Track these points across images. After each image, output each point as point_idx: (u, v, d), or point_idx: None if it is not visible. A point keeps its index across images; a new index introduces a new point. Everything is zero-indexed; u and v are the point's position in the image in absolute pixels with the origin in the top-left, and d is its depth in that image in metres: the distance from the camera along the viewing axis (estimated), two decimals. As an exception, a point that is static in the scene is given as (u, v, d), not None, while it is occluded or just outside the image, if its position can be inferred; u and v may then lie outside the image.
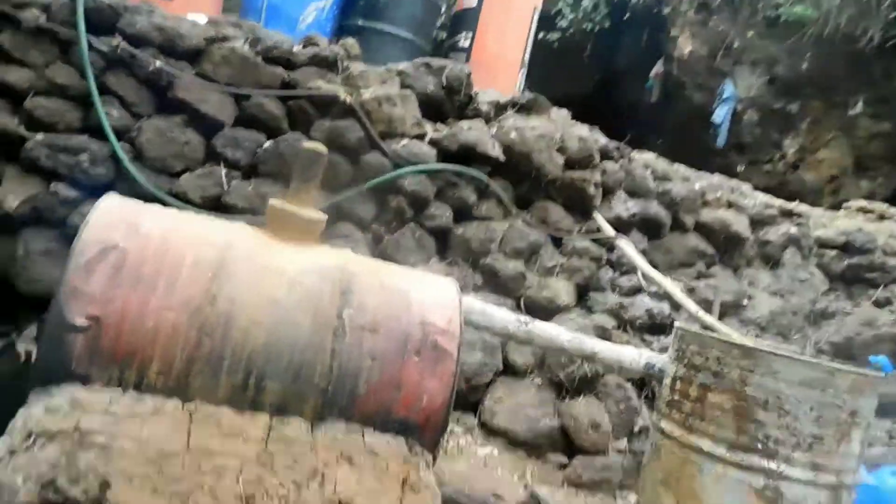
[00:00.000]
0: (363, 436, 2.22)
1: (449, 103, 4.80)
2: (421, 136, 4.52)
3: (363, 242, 4.25)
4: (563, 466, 3.81)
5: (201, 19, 4.39)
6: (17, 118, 3.95)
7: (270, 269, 2.25)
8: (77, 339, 2.01)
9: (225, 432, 2.09)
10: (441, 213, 4.43)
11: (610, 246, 4.86)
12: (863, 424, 2.50)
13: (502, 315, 2.74)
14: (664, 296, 4.73)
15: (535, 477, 3.67)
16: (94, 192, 4.00)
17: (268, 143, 4.21)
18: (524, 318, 2.77)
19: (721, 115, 8.65)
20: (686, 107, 9.15)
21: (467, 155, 4.50)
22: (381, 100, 4.30)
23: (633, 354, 2.83)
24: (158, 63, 4.04)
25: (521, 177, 4.71)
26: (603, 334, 4.32)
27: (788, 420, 2.43)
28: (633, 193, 5.11)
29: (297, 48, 4.43)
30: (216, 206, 4.10)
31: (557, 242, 4.75)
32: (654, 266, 5.14)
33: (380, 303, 2.31)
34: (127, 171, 3.95)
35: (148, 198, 3.87)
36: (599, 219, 4.80)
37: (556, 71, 10.69)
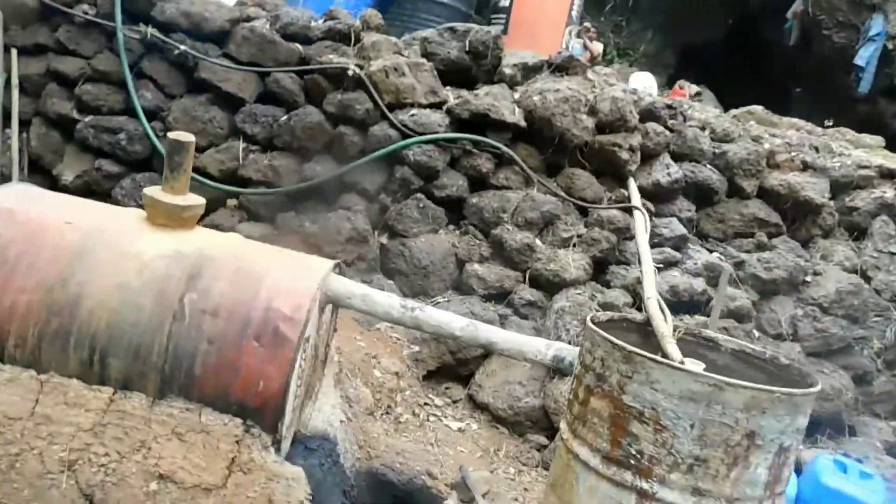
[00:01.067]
0: (200, 415, 2.23)
1: (476, 68, 4.53)
2: (438, 105, 4.33)
3: (366, 213, 4.19)
4: (541, 447, 3.56)
5: (229, 2, 4.50)
6: (71, 103, 4.36)
7: (128, 254, 2.30)
8: (-52, 314, 2.19)
9: (70, 402, 2.20)
10: (452, 183, 4.24)
11: (649, 215, 4.35)
12: (769, 448, 2.03)
13: (386, 300, 2.57)
14: (705, 269, 4.17)
15: (507, 455, 3.47)
16: (134, 167, 4.35)
17: (283, 118, 4.26)
18: (412, 303, 2.57)
19: (866, 56, 7.30)
20: (825, 49, 7.82)
21: (483, 122, 4.23)
22: (387, 70, 4.17)
23: (538, 346, 2.52)
24: (183, 46, 4.23)
25: (545, 143, 4.35)
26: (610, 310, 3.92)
27: (665, 436, 2.04)
28: (680, 157, 4.52)
29: (314, 23, 4.41)
30: (233, 179, 4.25)
31: (586, 212, 4.34)
32: (704, 236, 4.57)
33: (228, 288, 2.27)
34: (156, 148, 4.21)
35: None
36: (631, 186, 4.31)
37: (683, 14, 9.66)
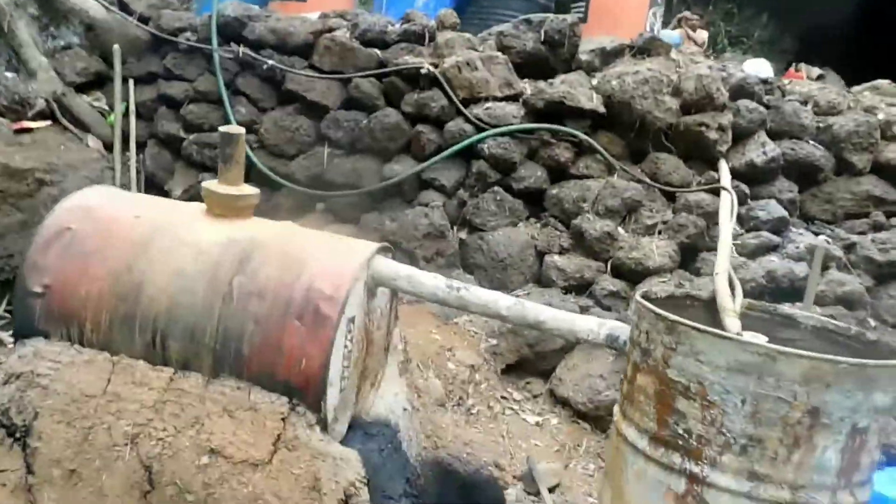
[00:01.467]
0: (249, 393, 2.29)
1: (554, 58, 4.43)
2: (514, 97, 4.27)
3: (444, 209, 4.19)
4: (623, 444, 3.34)
5: (313, 16, 4.70)
6: (179, 123, 4.72)
7: (186, 242, 2.42)
8: (36, 303, 2.42)
9: (136, 381, 2.35)
10: (530, 175, 4.14)
11: (741, 198, 4.03)
12: (838, 428, 1.77)
13: (431, 281, 2.51)
14: (808, 253, 3.78)
15: (587, 451, 3.30)
16: (233, 178, 4.61)
17: (364, 121, 4.37)
18: (457, 283, 2.50)
19: None
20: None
21: (559, 111, 4.11)
22: (460, 65, 4.16)
23: (590, 325, 2.36)
24: (271, 61, 4.46)
25: (626, 129, 4.15)
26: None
27: (714, 413, 1.83)
28: (779, 134, 4.15)
29: (390, 27, 4.50)
30: (319, 183, 4.41)
31: (673, 197, 4.09)
32: (810, 219, 4.15)
33: (273, 271, 2.34)
34: (249, 159, 4.45)
35: (267, 180, 4.35)
36: (722, 168, 4.01)
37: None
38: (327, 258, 2.40)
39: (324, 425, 2.33)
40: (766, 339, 2.07)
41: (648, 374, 2.01)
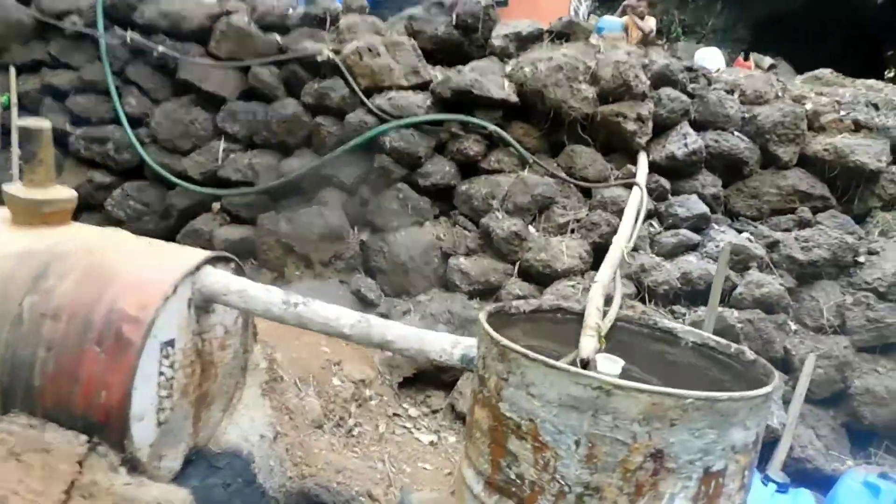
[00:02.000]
0: (43, 432, 1.97)
1: (468, 43, 4.12)
2: (423, 86, 3.96)
3: (344, 208, 3.88)
4: (522, 464, 3.07)
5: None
6: (65, 116, 4.35)
7: (-23, 254, 2.08)
8: None
9: None
10: (438, 170, 3.84)
11: (661, 193, 3.77)
12: (687, 473, 1.50)
13: (265, 296, 2.22)
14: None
15: (482, 474, 3.00)
16: (124, 175, 4.28)
17: (262, 114, 4.04)
18: (297, 298, 2.21)
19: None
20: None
21: (469, 101, 3.81)
22: (361, 52, 3.85)
23: (443, 344, 2.07)
24: (161, 48, 4.11)
25: (541, 119, 3.87)
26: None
27: (547, 456, 1.56)
28: (703, 125, 3.89)
29: (291, 11, 4.16)
30: (214, 181, 4.08)
31: (590, 193, 3.81)
32: (735, 215, 3.90)
33: (72, 288, 2.02)
34: (141, 156, 4.11)
35: (157, 178, 4.02)
36: (640, 161, 3.74)
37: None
38: (138, 272, 2.08)
39: (133, 465, 2.03)
40: (622, 363, 1.80)
41: (483, 408, 1.73)
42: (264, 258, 3.91)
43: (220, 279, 2.20)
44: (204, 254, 2.23)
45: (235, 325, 2.52)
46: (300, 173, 3.87)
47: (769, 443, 3.02)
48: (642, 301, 3.40)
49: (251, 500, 2.49)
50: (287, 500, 2.68)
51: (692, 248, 3.60)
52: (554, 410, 1.55)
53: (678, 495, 1.52)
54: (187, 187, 4.05)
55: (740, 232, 3.71)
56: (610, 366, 1.79)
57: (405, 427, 3.18)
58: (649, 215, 3.73)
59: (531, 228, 3.71)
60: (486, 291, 3.62)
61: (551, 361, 1.56)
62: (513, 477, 1.64)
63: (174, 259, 2.18)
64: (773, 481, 2.50)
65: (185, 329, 2.17)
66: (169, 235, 4.19)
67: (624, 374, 1.82)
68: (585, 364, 1.75)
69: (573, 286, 3.45)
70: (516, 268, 3.62)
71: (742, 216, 3.82)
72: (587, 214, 3.68)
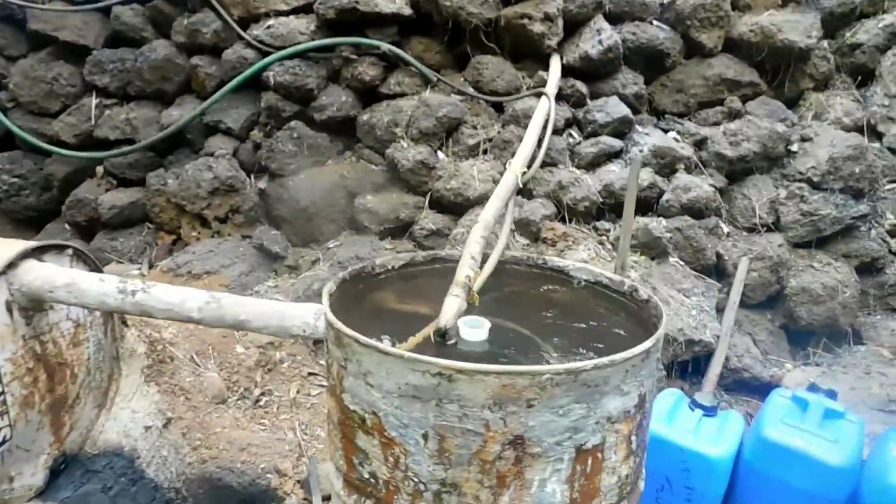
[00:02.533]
0: None
1: (354, -47, 3.64)
2: (305, 9, 3.52)
3: (236, 156, 3.52)
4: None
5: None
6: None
7: None
8: None
9: None
10: (333, 102, 3.47)
11: (579, 99, 3.45)
12: (556, 455, 1.29)
13: (98, 287, 1.94)
14: (654, 156, 3.26)
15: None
16: (-6, 147, 3.84)
17: (131, 61, 3.60)
18: (135, 285, 1.93)
19: None
20: None
21: (358, 20, 3.40)
22: (227, -24, 3.38)
23: (306, 316, 1.82)
24: (3, -4, 3.60)
25: (440, 31, 3.47)
26: (527, 231, 3.14)
27: (397, 452, 1.34)
28: (619, 17, 3.52)
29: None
30: (91, 142, 3.68)
31: (502, 107, 3.48)
32: (660, 113, 3.60)
33: None
34: (3, 123, 3.68)
35: (29, 146, 3.63)
36: (552, 65, 3.40)
37: None
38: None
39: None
40: (488, 325, 1.55)
41: (331, 398, 1.49)
42: (158, 221, 3.58)
43: (43, 274, 1.89)
44: (20, 247, 1.91)
45: (91, 316, 2.24)
46: (181, 123, 3.48)
47: (705, 357, 2.87)
48: (562, 220, 3.14)
49: (139, 500, 2.29)
50: (189, 488, 2.50)
51: (615, 155, 3.32)
52: (395, 402, 1.31)
53: (549, 480, 1.31)
54: (61, 153, 3.65)
55: (666, 132, 3.42)
56: (473, 332, 1.54)
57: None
58: (568, 124, 3.43)
59: (440, 154, 3.40)
60: (398, 229, 3.34)
61: (382, 347, 1.30)
62: (366, 476, 1.42)
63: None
64: (701, 406, 2.34)
65: (10, 337, 1.89)
66: (55, 208, 3.83)
67: (499, 334, 1.58)
68: (444, 333, 1.50)
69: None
70: (427, 199, 3.33)
71: (669, 113, 3.53)
72: (499, 132, 3.36)
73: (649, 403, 1.46)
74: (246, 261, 3.34)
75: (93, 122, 3.66)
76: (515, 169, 2.39)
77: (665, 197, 3.15)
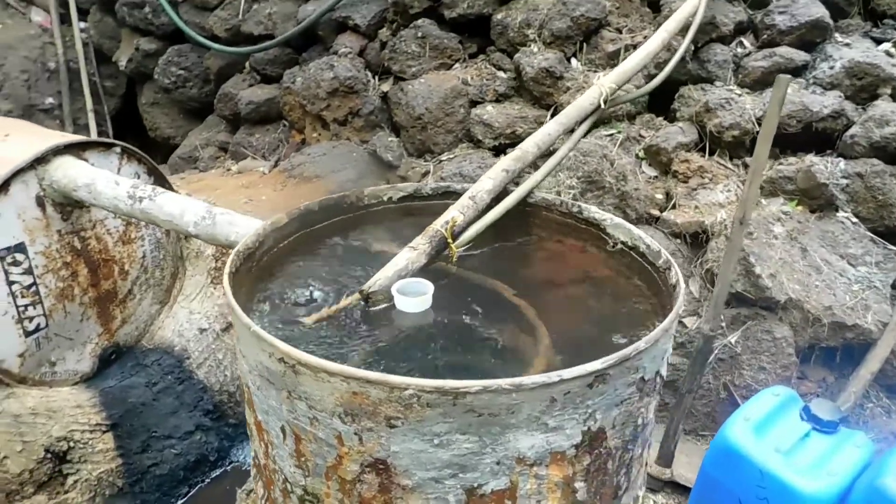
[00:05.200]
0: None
1: None
2: None
3: (362, 55, 3.28)
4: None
5: None
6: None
7: None
8: None
9: None
10: (466, -3, 3.03)
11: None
12: (436, 493, 0.89)
13: (111, 190, 1.79)
14: (848, 76, 2.39)
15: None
16: (169, 40, 4.05)
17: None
18: (144, 190, 1.76)
19: None
20: None
21: None
22: None
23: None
24: None
25: None
26: (656, 160, 2.53)
27: (267, 441, 1.03)
28: None
29: None
30: (239, 37, 3.67)
31: (657, 6, 2.79)
32: (879, 17, 2.62)
33: None
34: (170, 16, 3.82)
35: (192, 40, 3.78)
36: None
37: None
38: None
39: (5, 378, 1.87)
40: (429, 293, 1.15)
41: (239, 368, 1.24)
42: (290, 119, 3.51)
43: (70, 172, 1.85)
44: (53, 142, 1.87)
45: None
46: (312, 18, 3.30)
47: (862, 348, 2.12)
48: (702, 152, 2.46)
49: (185, 398, 2.31)
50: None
51: (794, 72, 2.49)
52: (256, 381, 1.02)
53: None
54: (214, 47, 3.70)
55: (879, 42, 2.48)
56: (409, 301, 1.16)
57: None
58: (740, 30, 2.64)
59: (573, 62, 2.83)
60: (514, 146, 2.89)
61: (238, 312, 0.99)
62: (253, 452, 1.17)
63: (14, 151, 1.85)
64: (815, 418, 1.71)
65: (43, 230, 1.89)
66: (213, 100, 3.95)
67: (464, 304, 1.18)
68: (367, 298, 1.15)
69: (611, 135, 2.60)
70: (549, 114, 2.82)
71: (890, 17, 2.54)
72: (645, 38, 2.69)
73: (626, 434, 1.00)
74: (357, 167, 3.16)
75: (241, 16, 3.63)
76: (604, 85, 1.84)
77: (851, 131, 2.30)
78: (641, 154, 2.60)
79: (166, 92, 4.06)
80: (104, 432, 2.06)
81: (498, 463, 0.90)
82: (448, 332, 1.13)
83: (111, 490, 2.08)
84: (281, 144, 3.60)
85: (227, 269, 1.13)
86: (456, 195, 1.52)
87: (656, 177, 2.56)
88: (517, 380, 0.85)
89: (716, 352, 2.27)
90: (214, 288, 2.44)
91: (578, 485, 0.97)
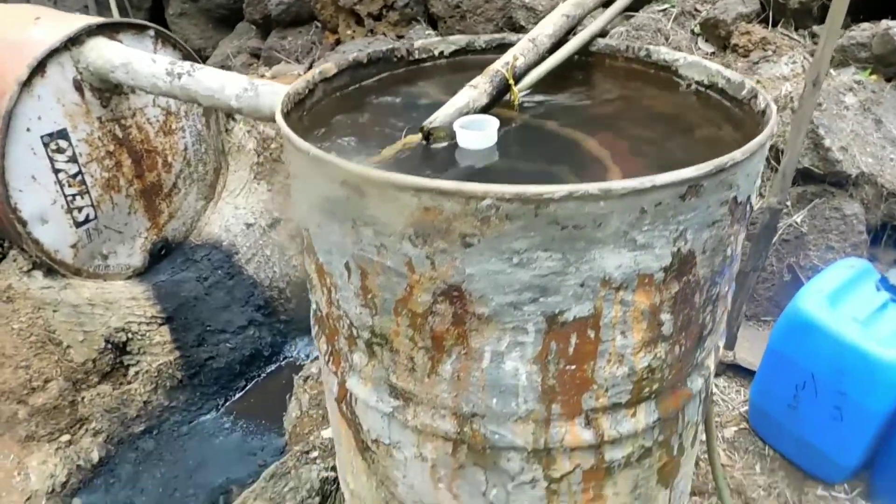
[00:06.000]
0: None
1: None
2: None
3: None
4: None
5: None
6: None
7: None
8: None
9: None
10: None
11: None
12: (514, 321, 0.83)
13: (149, 69, 1.71)
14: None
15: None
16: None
17: None
18: (181, 66, 1.68)
19: None
20: None
21: None
22: None
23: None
24: None
25: None
26: (713, 35, 2.37)
27: (330, 285, 0.98)
28: None
29: None
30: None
31: None
32: None
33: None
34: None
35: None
36: None
37: None
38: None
39: (53, 269, 1.87)
40: (494, 127, 1.06)
41: (296, 215, 1.18)
42: (322, 18, 3.38)
43: (105, 53, 1.78)
44: (84, 22, 1.80)
45: (185, 105, 2.15)
46: None
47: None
48: (765, 23, 2.28)
49: (236, 293, 2.30)
50: (292, 290, 2.46)
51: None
52: (316, 217, 0.97)
53: (507, 355, 0.89)
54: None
55: None
56: (472, 136, 1.08)
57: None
58: None
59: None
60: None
61: (293, 138, 0.92)
62: (314, 306, 1.14)
63: (47, 33, 1.79)
64: (892, 288, 1.61)
65: (83, 116, 1.85)
66: (239, 6, 3.82)
67: (529, 145, 1.10)
68: (428, 135, 1.07)
69: (665, 10, 2.42)
70: (598, -5, 2.64)
71: None
72: None
73: (716, 265, 0.92)
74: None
75: None
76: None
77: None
78: (697, 29, 2.42)
79: (194, 1, 3.94)
80: (160, 325, 2.07)
81: (582, 285, 0.84)
82: (513, 175, 1.06)
83: (171, 382, 2.11)
84: (314, 46, 3.49)
85: (278, 110, 1.06)
86: (511, 47, 1.42)
87: (713, 53, 2.39)
88: (606, 184, 0.77)
89: (780, 232, 2.16)
90: (258, 184, 2.40)
91: (664, 317, 0.91)
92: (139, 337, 2.01)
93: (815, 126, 2.06)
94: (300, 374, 1.98)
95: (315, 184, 0.92)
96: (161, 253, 2.19)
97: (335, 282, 0.98)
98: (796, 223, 2.15)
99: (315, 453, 1.69)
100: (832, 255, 2.13)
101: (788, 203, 2.15)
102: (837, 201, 2.11)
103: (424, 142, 1.08)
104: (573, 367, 0.90)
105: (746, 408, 1.98)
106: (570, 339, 0.88)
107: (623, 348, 0.90)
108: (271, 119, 1.62)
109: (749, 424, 1.94)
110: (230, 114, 1.71)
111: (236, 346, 2.26)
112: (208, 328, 2.19)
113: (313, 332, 1.20)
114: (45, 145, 1.75)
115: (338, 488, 1.68)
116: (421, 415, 1.00)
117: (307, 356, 2.39)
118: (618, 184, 0.77)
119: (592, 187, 0.76)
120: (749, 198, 0.94)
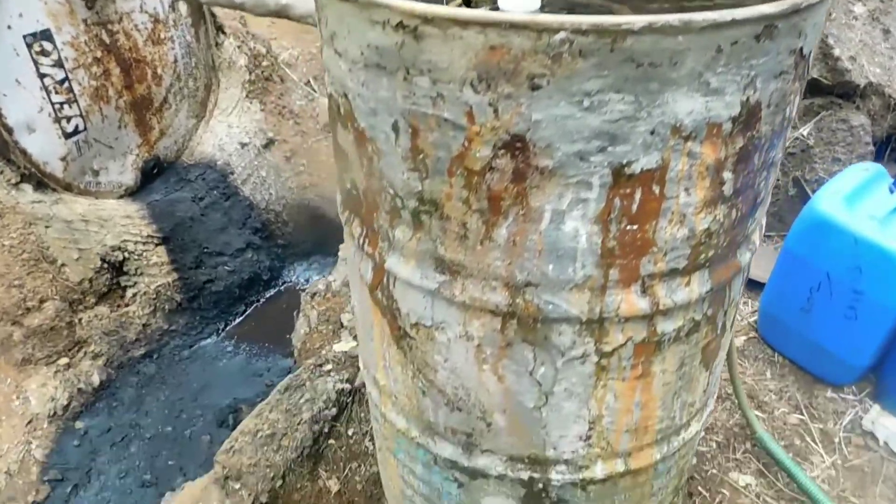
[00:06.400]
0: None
1: None
2: None
3: None
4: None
5: None
6: None
7: None
8: None
9: None
10: None
11: None
12: (580, 173, 0.80)
13: None
14: None
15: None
16: None
17: None
18: None
19: None
20: None
21: None
22: None
23: None
24: None
25: None
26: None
27: (370, 151, 0.93)
28: None
29: None
30: None
31: None
32: None
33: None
34: None
35: None
36: None
37: None
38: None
39: (43, 182, 1.78)
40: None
41: (329, 85, 1.12)
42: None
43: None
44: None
45: (174, 14, 2.03)
46: None
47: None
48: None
49: (233, 215, 2.23)
50: (288, 213, 2.40)
51: None
52: (360, 76, 0.90)
53: (568, 213, 0.86)
54: None
55: None
56: (516, 1, 1.02)
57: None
58: None
59: None
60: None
61: (339, -13, 0.86)
62: (348, 185, 1.08)
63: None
64: (906, 188, 1.62)
65: (68, 16, 1.73)
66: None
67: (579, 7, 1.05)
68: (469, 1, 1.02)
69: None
70: None
71: None
72: None
73: (776, 123, 0.90)
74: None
75: None
76: None
77: None
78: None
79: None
80: (157, 245, 1.99)
81: (652, 132, 0.80)
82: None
83: (170, 305, 2.05)
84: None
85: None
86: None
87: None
88: (687, 16, 0.73)
89: (787, 145, 2.16)
90: (250, 103, 2.31)
91: (727, 175, 0.88)
92: (136, 257, 1.94)
93: (825, 35, 2.04)
94: (307, 290, 1.93)
95: (362, 33, 0.86)
96: (153, 171, 2.10)
97: (378, 148, 0.93)
98: (802, 136, 2.15)
99: (329, 366, 1.66)
100: (838, 168, 2.14)
101: (794, 116, 2.14)
102: (844, 113, 2.11)
103: (465, 5, 1.02)
104: (635, 226, 0.87)
105: (755, 318, 2.00)
106: (634, 196, 0.84)
107: (685, 206, 0.87)
108: (276, 14, 1.53)
109: (758, 334, 1.96)
110: (233, 7, 1.61)
111: (235, 269, 2.20)
112: (206, 250, 2.13)
113: (343, 219, 1.15)
114: (29, 46, 1.63)
115: (354, 400, 1.66)
116: (470, 288, 0.96)
117: (307, 280, 2.34)
118: (698, 15, 0.73)
119: (673, 18, 0.72)
120: (811, 54, 0.91)
